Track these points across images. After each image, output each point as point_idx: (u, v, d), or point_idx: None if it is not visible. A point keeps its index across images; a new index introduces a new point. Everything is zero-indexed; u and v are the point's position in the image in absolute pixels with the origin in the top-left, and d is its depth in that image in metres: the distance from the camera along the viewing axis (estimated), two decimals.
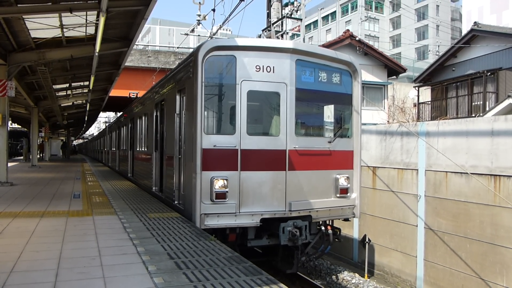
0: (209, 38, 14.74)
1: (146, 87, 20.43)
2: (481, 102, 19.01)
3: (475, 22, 21.99)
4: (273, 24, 14.26)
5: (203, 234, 5.82)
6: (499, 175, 8.30)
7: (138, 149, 13.21)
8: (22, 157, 32.04)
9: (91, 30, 12.00)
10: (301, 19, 15.29)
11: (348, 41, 21.84)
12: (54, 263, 4.34)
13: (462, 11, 48.80)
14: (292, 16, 14.39)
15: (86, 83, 19.34)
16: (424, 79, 24.65)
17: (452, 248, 9.19)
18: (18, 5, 9.61)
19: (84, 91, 22.24)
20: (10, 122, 32.11)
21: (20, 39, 12.00)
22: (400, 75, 26.03)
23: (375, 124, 14.54)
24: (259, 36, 16.14)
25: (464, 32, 28.17)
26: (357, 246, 11.90)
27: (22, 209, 7.79)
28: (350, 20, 67.72)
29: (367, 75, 21.71)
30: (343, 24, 67.35)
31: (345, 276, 10.43)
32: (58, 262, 4.37)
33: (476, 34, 21.06)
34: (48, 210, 7.77)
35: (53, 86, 18.93)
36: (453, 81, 20.96)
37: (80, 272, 4.04)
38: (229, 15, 12.91)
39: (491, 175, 8.45)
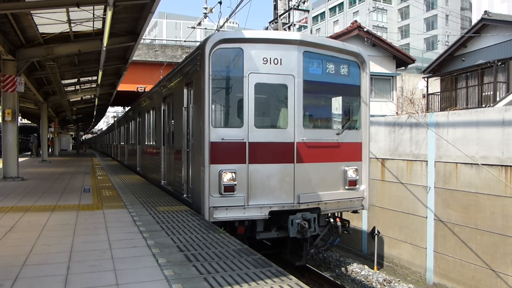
0: (216, 31, 14.69)
1: (154, 81, 20.48)
2: (491, 92, 18.73)
3: (485, 11, 21.61)
4: (280, 16, 14.17)
5: (212, 227, 5.84)
6: (511, 166, 8.20)
7: (146, 143, 13.27)
8: (29, 152, 32.32)
9: (98, 24, 12.03)
10: (308, 11, 15.17)
11: (356, 32, 21.63)
12: (66, 256, 4.38)
13: (472, 0, 48.04)
14: (299, 7, 14.28)
15: (94, 77, 19.45)
16: (433, 69, 24.34)
17: (462, 239, 9.13)
18: (26, 1, 9.66)
19: (93, 85, 22.36)
20: (20, 117, 32.40)
21: (28, 35, 12.06)
22: (409, 66, 25.79)
23: (383, 116, 14.43)
24: (266, 28, 16.06)
25: (474, 21, 27.72)
26: (366, 238, 11.88)
27: (33, 203, 7.87)
28: (357, 11, 67.11)
29: (376, 66, 21.53)
30: (350, 15, 66.77)
31: (354, 268, 10.43)
32: (70, 255, 4.41)
33: (487, 24, 20.72)
34: (58, 204, 7.84)
35: (62, 81, 19.08)
36: (463, 72, 20.66)
37: (91, 265, 4.08)
38: (236, 8, 12.86)
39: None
